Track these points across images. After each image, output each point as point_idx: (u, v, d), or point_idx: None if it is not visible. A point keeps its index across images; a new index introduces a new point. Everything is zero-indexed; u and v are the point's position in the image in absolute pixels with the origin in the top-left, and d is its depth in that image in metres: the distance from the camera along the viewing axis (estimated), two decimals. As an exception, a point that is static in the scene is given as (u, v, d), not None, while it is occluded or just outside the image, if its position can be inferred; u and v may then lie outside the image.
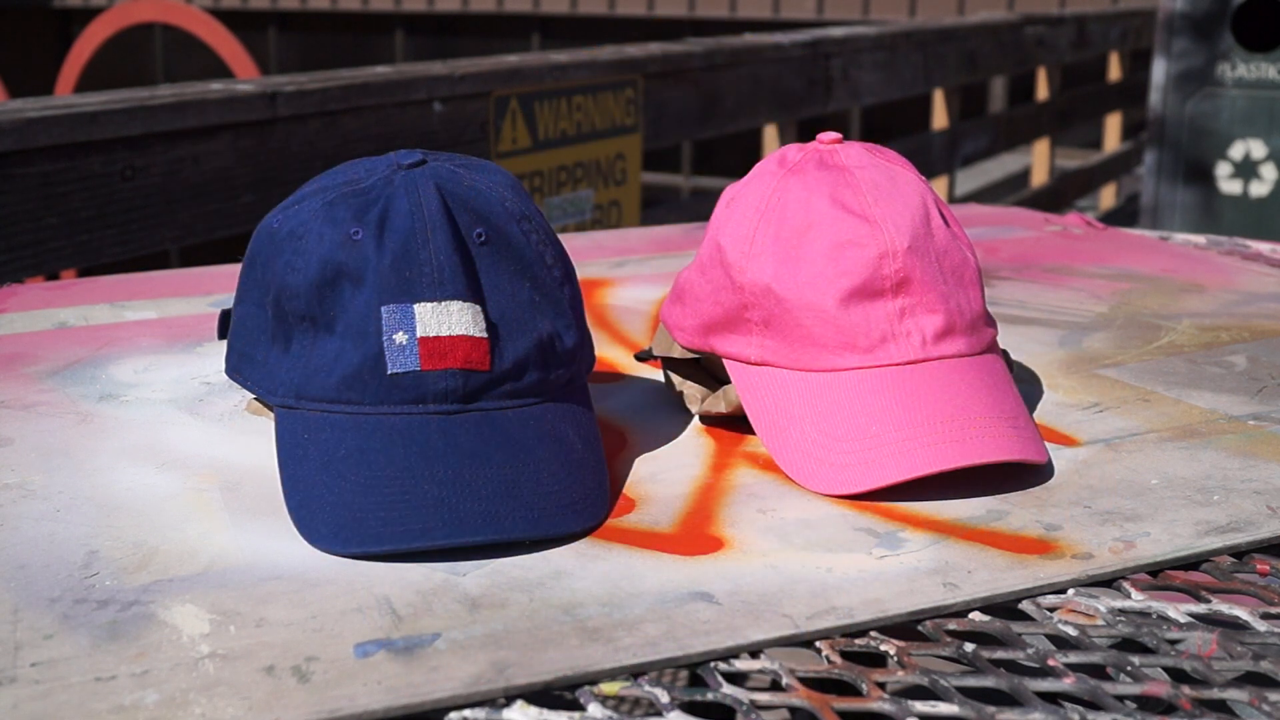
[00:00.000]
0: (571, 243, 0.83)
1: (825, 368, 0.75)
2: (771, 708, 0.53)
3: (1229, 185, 3.01)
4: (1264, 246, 1.31)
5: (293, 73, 1.94)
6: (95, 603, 0.59)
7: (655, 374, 0.92)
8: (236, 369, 0.77)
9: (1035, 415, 0.83)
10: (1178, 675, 0.54)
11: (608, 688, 0.54)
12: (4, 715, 0.50)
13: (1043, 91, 4.54)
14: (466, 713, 0.52)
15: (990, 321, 0.80)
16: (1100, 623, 0.60)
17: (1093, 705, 0.53)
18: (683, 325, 0.82)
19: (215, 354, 0.93)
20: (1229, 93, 2.96)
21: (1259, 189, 2.98)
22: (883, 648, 0.58)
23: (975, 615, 0.60)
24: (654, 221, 2.52)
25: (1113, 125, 5.18)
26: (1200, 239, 1.37)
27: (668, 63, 2.53)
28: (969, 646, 0.58)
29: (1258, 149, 2.96)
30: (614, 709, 0.52)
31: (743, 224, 0.78)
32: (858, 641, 0.58)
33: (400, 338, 0.69)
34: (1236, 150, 2.99)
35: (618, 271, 1.21)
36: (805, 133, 1.77)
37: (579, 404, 0.75)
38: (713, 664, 0.56)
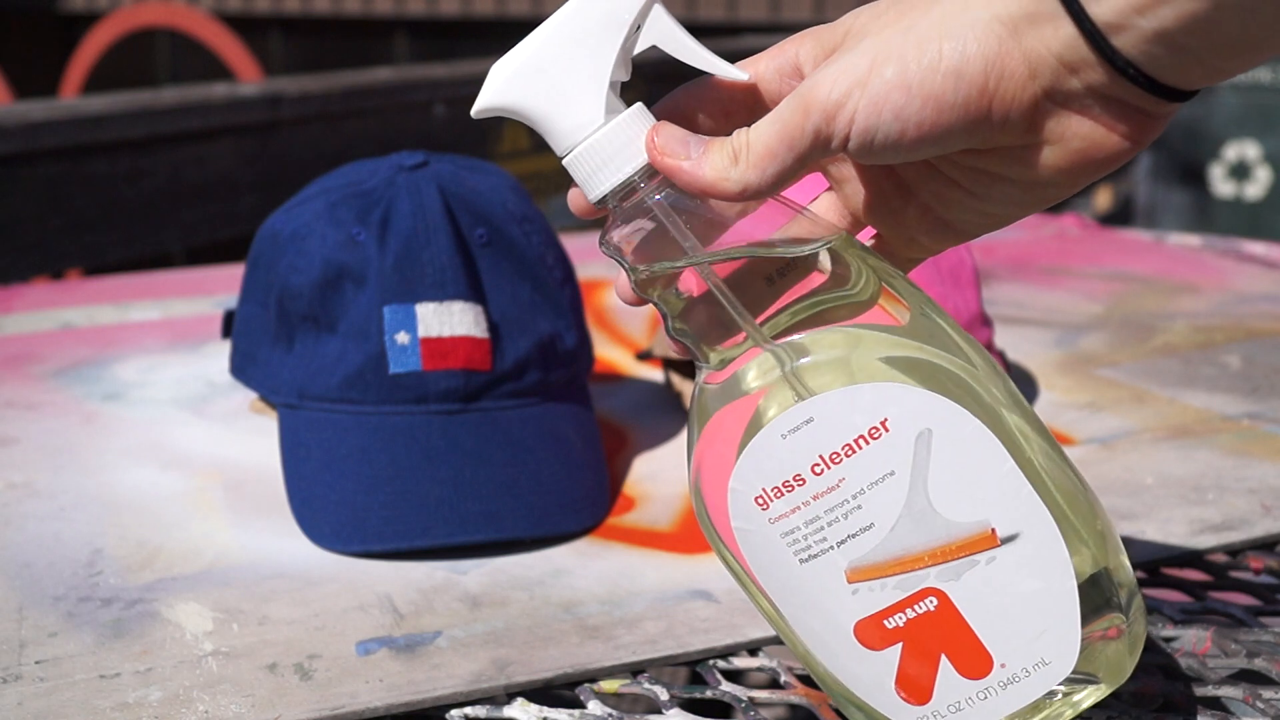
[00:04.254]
0: (572, 243, 0.83)
1: (823, 368, 0.76)
2: (770, 705, 0.53)
3: (1223, 187, 3.00)
4: (1258, 248, 1.32)
5: (295, 75, 1.94)
6: (99, 601, 0.60)
7: (655, 374, 0.92)
8: (240, 369, 0.77)
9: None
10: (1172, 673, 0.55)
11: (608, 685, 0.54)
12: (9, 712, 0.51)
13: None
14: (468, 710, 0.52)
15: (987, 322, 0.80)
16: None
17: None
18: (682, 326, 0.82)
19: (219, 354, 0.94)
20: (1222, 95, 2.96)
21: (1253, 191, 2.98)
22: (879, 645, 0.58)
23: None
24: (655, 223, 2.52)
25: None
26: (1195, 240, 1.37)
27: (667, 65, 2.53)
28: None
29: (1251, 151, 2.96)
30: (614, 706, 0.53)
31: (741, 225, 0.78)
32: (855, 639, 0.58)
33: (402, 338, 0.70)
34: (1230, 152, 2.98)
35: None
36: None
37: (579, 404, 0.75)
38: (712, 662, 0.56)
